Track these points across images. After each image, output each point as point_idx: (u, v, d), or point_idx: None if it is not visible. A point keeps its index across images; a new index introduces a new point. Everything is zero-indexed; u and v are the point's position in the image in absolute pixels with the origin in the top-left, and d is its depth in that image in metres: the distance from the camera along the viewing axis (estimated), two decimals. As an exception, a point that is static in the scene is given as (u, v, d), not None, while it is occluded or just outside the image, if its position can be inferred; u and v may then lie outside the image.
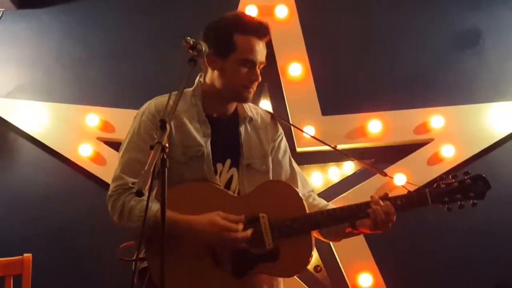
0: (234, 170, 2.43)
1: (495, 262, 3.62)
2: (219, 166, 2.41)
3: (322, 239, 2.50)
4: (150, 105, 2.42)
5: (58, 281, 3.66)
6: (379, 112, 3.74)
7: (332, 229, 2.41)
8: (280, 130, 2.62)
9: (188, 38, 2.18)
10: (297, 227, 2.31)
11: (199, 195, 2.35)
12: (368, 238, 3.64)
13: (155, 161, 1.83)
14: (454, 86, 3.79)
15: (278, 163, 2.55)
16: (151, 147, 1.86)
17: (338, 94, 3.81)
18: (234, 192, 2.43)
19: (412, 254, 3.72)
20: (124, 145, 2.41)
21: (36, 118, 3.74)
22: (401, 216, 3.67)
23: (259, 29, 2.37)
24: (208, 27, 2.40)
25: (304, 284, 3.62)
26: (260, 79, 2.39)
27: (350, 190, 3.68)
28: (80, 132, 3.74)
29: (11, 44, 3.85)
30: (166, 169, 1.87)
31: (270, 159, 2.51)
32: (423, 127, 3.73)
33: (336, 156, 3.76)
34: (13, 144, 3.78)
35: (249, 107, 2.54)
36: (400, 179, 3.66)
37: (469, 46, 3.82)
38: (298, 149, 3.69)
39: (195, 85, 2.48)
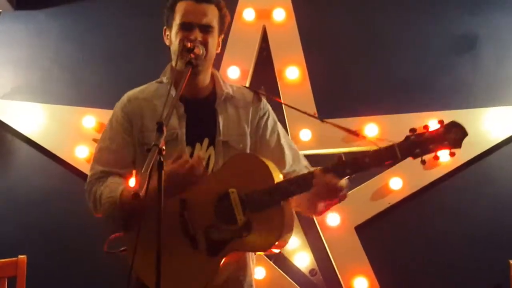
0: (212, 149, 2.42)
1: (492, 266, 3.62)
2: (197, 146, 2.40)
3: (303, 213, 2.44)
4: (123, 97, 2.50)
5: (52, 283, 3.65)
6: (375, 116, 3.75)
7: (304, 201, 2.31)
8: (266, 107, 2.55)
9: (186, 41, 2.26)
10: (266, 198, 2.24)
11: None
12: (364, 242, 3.64)
13: (151, 163, 1.82)
14: (450, 91, 3.79)
15: (266, 143, 2.50)
16: (148, 150, 1.86)
17: (335, 97, 3.82)
18: (212, 171, 2.39)
19: (408, 258, 3.71)
20: (99, 138, 2.49)
21: (33, 119, 3.73)
22: (397, 220, 3.73)
23: None
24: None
25: (299, 288, 3.63)
26: (198, 38, 2.34)
27: (346, 194, 3.67)
28: (77, 133, 3.74)
29: (8, 45, 3.84)
30: (162, 171, 1.87)
31: (248, 138, 2.47)
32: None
33: (332, 160, 3.75)
34: (10, 146, 3.78)
35: (230, 87, 2.53)
36: (396, 183, 3.68)
37: (465, 51, 3.83)
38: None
39: (165, 70, 2.52)
